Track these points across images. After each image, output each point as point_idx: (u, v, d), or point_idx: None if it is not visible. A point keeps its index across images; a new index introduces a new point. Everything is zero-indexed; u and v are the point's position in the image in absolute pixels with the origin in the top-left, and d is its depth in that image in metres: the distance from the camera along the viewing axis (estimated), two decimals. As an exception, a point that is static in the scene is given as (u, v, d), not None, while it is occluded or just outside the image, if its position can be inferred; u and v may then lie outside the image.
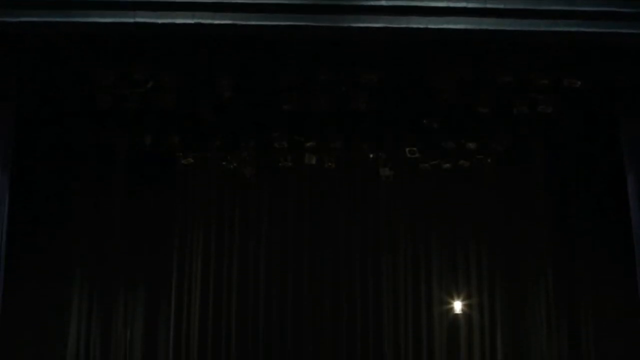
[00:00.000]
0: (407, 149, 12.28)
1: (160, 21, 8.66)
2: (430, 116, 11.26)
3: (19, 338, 9.85)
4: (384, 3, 8.70)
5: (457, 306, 13.59)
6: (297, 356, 15.41)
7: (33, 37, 8.93)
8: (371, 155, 12.96)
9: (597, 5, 8.72)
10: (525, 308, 13.37)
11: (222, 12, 8.70)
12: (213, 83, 10.35)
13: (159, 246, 13.92)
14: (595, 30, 8.69)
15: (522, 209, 13.24)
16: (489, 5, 8.63)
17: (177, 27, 8.74)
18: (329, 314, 15.86)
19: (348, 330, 15.82)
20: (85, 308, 12.08)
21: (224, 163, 13.25)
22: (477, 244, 15.69)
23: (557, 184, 11.78)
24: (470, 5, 8.65)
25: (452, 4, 8.65)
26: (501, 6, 8.66)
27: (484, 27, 8.74)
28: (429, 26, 8.69)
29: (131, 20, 8.60)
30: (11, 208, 9.03)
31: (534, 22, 8.71)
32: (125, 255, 13.29)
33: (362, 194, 15.93)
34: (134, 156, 12.83)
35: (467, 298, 15.07)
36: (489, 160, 12.95)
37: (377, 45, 9.38)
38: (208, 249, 16.27)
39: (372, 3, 8.71)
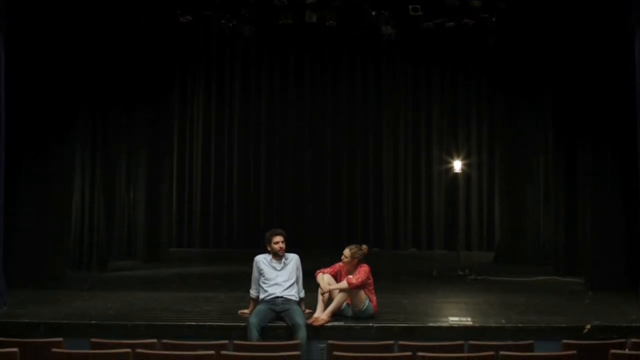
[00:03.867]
0: (410, 7, 11.91)
1: None
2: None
3: (22, 201, 10.01)
4: None
5: (457, 165, 13.70)
6: (297, 215, 15.80)
7: None
8: (373, 13, 12.60)
9: None
10: (524, 169, 13.51)
11: None
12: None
13: (160, 107, 13.88)
14: None
15: (524, 70, 13.07)
16: None
17: None
18: (329, 165, 16.11)
19: (348, 189, 16.11)
20: (88, 171, 12.20)
21: (223, 21, 12.92)
22: (478, 105, 15.69)
23: (561, 45, 11.53)
24: None
25: None
26: None
27: None
28: None
29: None
30: (12, 72, 8.91)
31: None
32: (126, 117, 13.29)
33: (364, 52, 15.75)
34: (132, 15, 12.49)
35: (466, 157, 15.22)
36: (493, 19, 12.63)
37: None
38: (209, 108, 16.32)
39: None
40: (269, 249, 7.57)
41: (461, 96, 15.76)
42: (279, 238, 7.54)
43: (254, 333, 6.99)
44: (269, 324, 7.25)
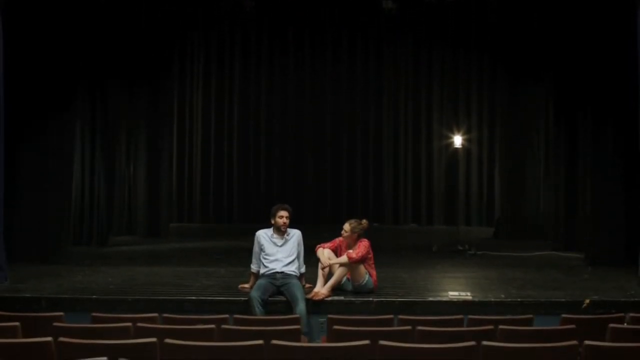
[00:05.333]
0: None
1: None
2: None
3: (23, 177, 10.00)
4: None
5: (457, 140, 13.68)
6: (298, 190, 15.80)
7: None
8: (374, -13, 12.53)
9: None
10: (524, 144, 13.49)
11: None
12: None
13: (160, 82, 13.83)
14: None
15: (526, 45, 12.98)
16: None
17: None
18: (329, 144, 16.11)
19: (348, 164, 16.11)
20: (88, 146, 12.18)
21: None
22: (479, 80, 15.64)
23: (562, 20, 11.43)
24: None
25: None
26: None
27: None
28: None
29: None
30: (10, 48, 8.82)
31: None
32: (126, 92, 13.24)
33: (364, 27, 15.66)
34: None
35: (467, 133, 15.19)
36: (494, -7, 12.56)
37: None
38: (208, 83, 16.26)
39: None
40: (272, 222, 7.57)
41: (462, 71, 15.72)
42: (284, 213, 7.53)
43: (258, 307, 7.01)
44: (270, 299, 7.27)
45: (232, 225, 15.54)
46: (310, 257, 7.84)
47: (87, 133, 12.21)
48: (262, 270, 7.49)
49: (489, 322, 5.68)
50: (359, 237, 7.70)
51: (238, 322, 5.99)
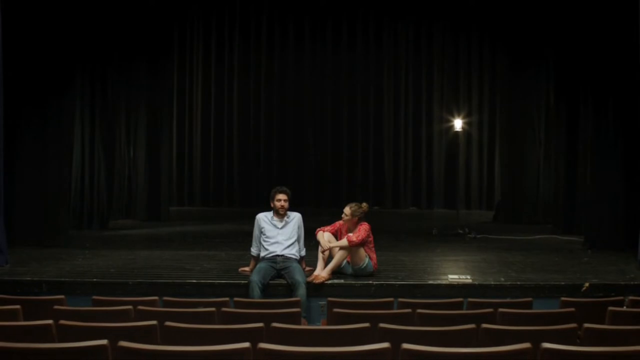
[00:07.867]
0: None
1: None
2: None
3: (23, 161, 9.97)
4: None
5: (457, 124, 13.66)
6: (298, 174, 15.80)
7: None
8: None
9: None
10: (525, 127, 13.47)
11: None
12: None
13: (159, 63, 13.78)
14: None
15: (526, 28, 12.93)
16: None
17: None
18: (330, 125, 16.09)
19: (349, 147, 16.10)
20: (87, 130, 12.15)
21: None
22: (480, 63, 15.59)
23: (562, 1, 11.38)
24: None
25: None
26: None
27: None
28: None
29: None
30: (10, 28, 8.77)
31: None
32: (125, 74, 13.19)
33: (365, 8, 15.59)
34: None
35: (467, 116, 15.17)
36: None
37: None
38: (208, 65, 16.21)
39: None
40: (272, 205, 7.58)
41: (462, 54, 15.68)
42: (282, 196, 7.53)
43: (256, 291, 7.02)
44: (270, 282, 7.28)
45: (232, 208, 15.55)
46: (310, 241, 7.85)
47: (87, 116, 12.19)
48: (262, 254, 7.50)
49: (488, 305, 5.68)
50: (359, 221, 7.70)
51: (238, 305, 6.00)
